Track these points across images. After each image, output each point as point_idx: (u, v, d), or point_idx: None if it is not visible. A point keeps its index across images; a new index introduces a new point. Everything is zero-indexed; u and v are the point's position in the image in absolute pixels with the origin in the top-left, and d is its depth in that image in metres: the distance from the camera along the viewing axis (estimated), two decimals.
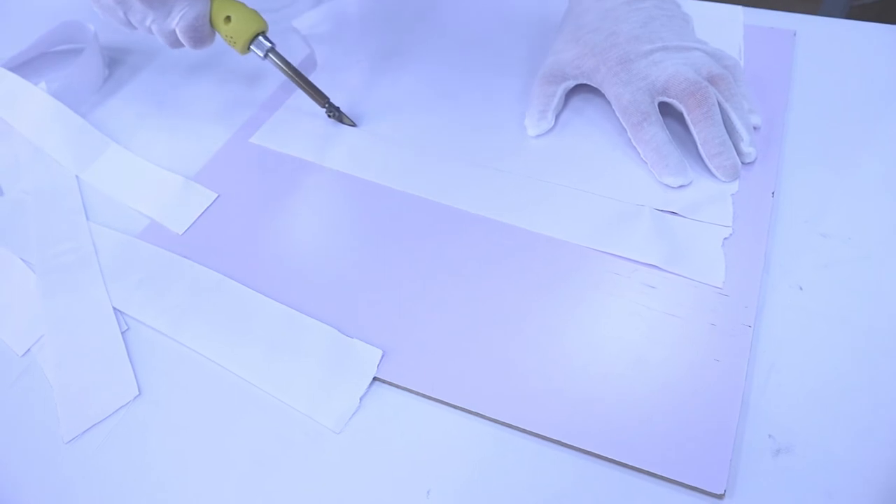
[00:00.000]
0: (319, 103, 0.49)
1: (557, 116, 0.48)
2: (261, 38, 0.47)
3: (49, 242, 0.43)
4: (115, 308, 0.40)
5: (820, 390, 0.34)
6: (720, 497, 0.31)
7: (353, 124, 0.50)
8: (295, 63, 0.49)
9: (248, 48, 0.47)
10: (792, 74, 0.50)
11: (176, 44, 0.47)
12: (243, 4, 0.46)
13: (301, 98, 0.51)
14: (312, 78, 0.50)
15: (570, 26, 0.49)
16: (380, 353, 0.36)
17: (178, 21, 0.45)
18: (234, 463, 0.34)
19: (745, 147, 0.43)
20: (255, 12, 0.47)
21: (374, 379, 0.36)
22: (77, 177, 0.48)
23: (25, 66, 0.56)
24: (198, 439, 0.35)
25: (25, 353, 0.39)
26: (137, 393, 0.36)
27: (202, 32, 0.46)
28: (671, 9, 0.48)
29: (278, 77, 0.54)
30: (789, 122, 0.46)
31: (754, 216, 0.41)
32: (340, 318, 0.38)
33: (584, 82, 0.47)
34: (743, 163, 0.43)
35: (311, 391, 0.36)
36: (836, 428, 0.32)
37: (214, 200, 0.45)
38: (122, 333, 0.39)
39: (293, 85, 0.49)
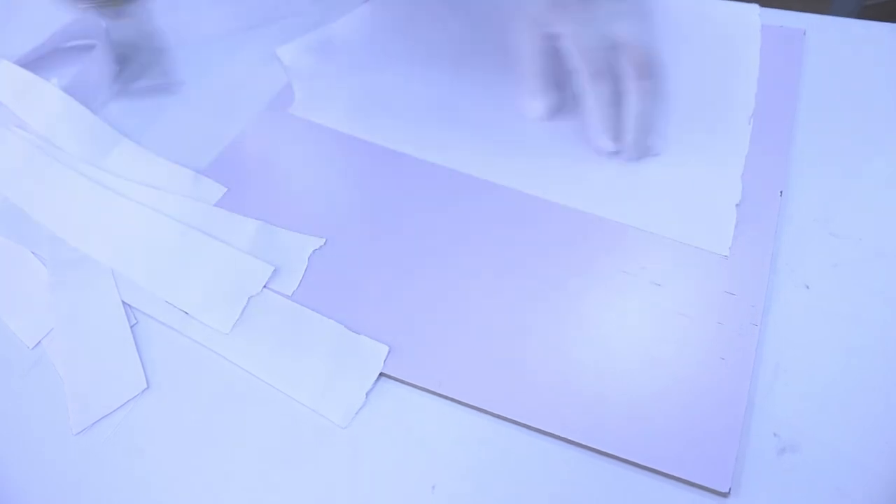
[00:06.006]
0: None
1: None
2: None
3: (59, 237, 0.44)
4: (123, 302, 0.40)
5: (826, 389, 0.34)
6: (725, 495, 0.31)
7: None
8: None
9: None
10: (801, 73, 0.50)
11: None
12: None
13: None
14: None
15: None
16: (386, 348, 0.37)
17: None
18: (241, 456, 0.34)
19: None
20: None
21: (381, 375, 0.36)
22: (88, 172, 0.48)
23: (37, 62, 0.56)
24: (205, 432, 0.35)
25: (36, 345, 0.39)
26: (146, 386, 0.37)
27: None
28: None
29: (285, 76, 0.53)
30: (798, 122, 0.46)
31: (762, 215, 0.41)
32: (347, 313, 0.38)
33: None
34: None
35: (317, 386, 0.36)
36: (843, 427, 0.32)
37: (223, 195, 0.46)
38: (131, 327, 0.39)
39: (298, 86, 0.47)
